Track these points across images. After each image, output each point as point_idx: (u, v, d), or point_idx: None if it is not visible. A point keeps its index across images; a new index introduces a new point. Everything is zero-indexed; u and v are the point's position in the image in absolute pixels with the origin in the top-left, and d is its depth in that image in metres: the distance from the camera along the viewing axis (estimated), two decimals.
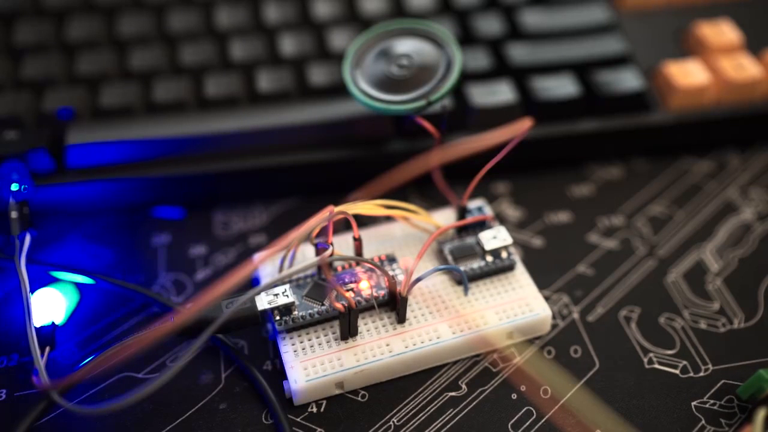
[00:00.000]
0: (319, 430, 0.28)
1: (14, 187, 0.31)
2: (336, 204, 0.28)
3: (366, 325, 0.29)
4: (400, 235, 0.33)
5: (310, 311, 0.28)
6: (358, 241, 0.30)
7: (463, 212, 0.33)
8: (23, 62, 0.37)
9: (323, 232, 0.28)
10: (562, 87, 0.36)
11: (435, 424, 0.28)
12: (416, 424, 0.28)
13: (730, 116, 0.38)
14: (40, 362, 0.26)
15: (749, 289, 0.33)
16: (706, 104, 0.38)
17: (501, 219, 0.36)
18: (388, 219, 0.33)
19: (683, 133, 0.38)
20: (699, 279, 0.33)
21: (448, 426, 0.28)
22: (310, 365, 0.28)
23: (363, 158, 0.35)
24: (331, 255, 0.28)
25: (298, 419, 0.28)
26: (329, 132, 0.35)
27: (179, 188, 0.35)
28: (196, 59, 0.37)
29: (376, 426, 0.28)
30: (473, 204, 0.33)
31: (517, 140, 0.30)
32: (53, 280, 0.32)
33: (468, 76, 0.37)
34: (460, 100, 0.36)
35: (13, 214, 0.31)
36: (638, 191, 0.37)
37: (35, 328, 0.28)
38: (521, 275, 0.31)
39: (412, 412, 0.28)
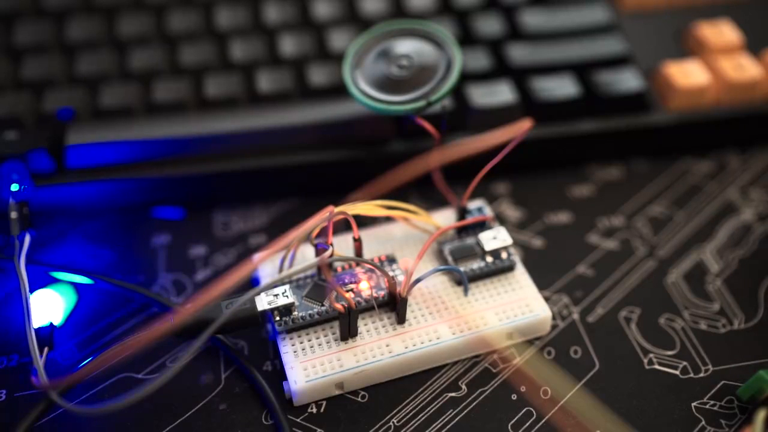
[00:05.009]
0: (319, 430, 0.28)
1: (14, 187, 0.31)
2: (336, 204, 0.28)
3: (366, 325, 0.29)
4: (400, 236, 0.33)
5: (309, 312, 0.28)
6: (357, 242, 0.30)
7: (463, 213, 0.33)
8: (23, 62, 0.37)
9: (323, 232, 0.28)
10: (562, 87, 0.36)
11: (435, 424, 0.28)
12: (416, 424, 0.28)
13: (730, 116, 0.38)
14: (39, 362, 0.26)
15: (749, 289, 0.33)
16: (706, 105, 0.38)
17: (501, 219, 0.36)
18: (388, 219, 0.33)
19: (683, 134, 0.38)
20: (699, 280, 0.33)
21: (448, 427, 0.28)
22: (310, 366, 0.28)
23: (363, 158, 0.35)
24: (331, 255, 0.28)
25: (298, 420, 0.28)
26: (329, 132, 0.35)
27: (179, 188, 0.35)
28: (196, 59, 0.37)
29: (376, 426, 0.28)
30: (473, 204, 0.33)
31: (517, 141, 0.30)
32: (53, 281, 0.32)
33: (468, 77, 0.37)
34: (460, 100, 0.36)
35: (13, 215, 0.31)
36: (638, 192, 0.37)
37: (34, 328, 0.28)
38: (521, 276, 0.31)
39: (412, 412, 0.28)
